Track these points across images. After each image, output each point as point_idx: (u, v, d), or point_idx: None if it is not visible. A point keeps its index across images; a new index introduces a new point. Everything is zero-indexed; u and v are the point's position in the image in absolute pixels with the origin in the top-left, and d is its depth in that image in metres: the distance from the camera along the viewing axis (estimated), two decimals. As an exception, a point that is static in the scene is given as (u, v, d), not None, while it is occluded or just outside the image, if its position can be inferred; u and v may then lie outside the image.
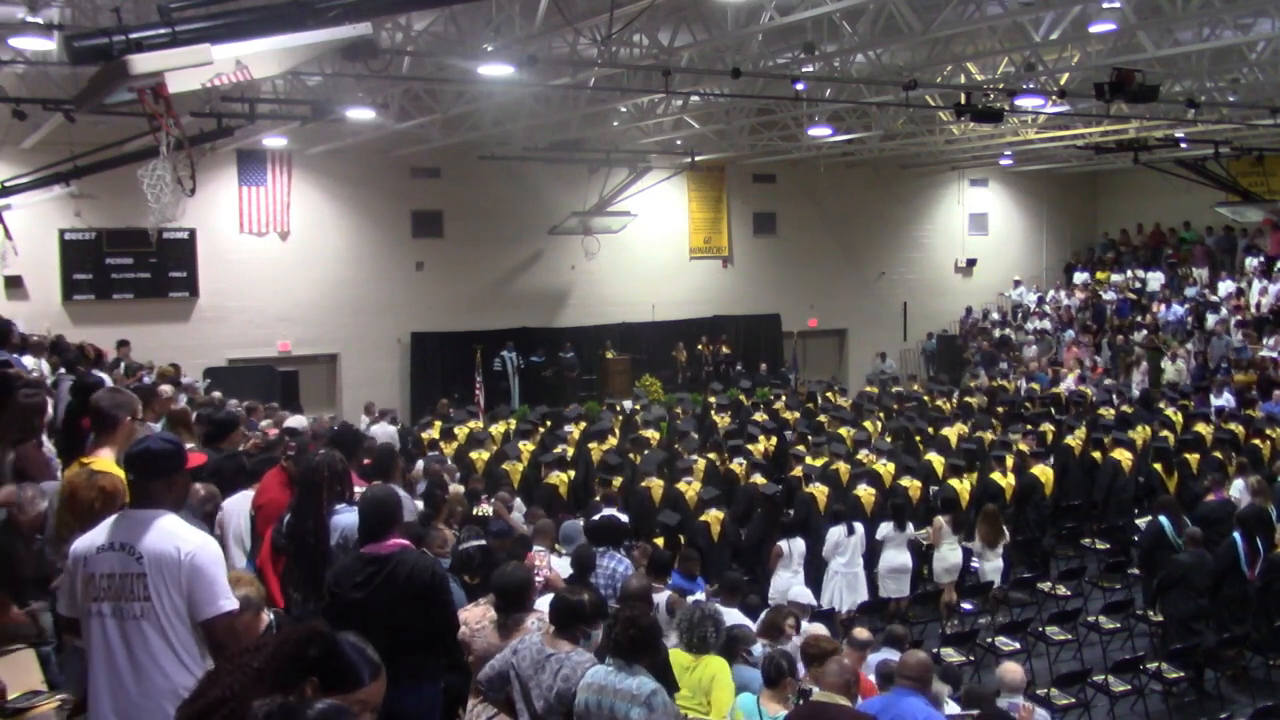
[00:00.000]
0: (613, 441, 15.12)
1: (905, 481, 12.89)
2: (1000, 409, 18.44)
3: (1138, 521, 12.86)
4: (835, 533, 11.04)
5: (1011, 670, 6.94)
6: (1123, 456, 14.00)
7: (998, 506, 12.10)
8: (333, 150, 19.40)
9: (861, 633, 7.50)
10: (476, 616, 5.31)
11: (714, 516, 11.57)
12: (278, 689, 2.60)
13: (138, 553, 3.63)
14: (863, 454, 13.74)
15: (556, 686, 4.52)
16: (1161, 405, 17.57)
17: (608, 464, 13.26)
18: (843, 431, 15.73)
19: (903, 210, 27.44)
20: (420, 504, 8.14)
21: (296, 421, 11.08)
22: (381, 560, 4.60)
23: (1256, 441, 15.13)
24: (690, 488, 12.19)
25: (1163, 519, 10.97)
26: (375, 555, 4.63)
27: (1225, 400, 18.33)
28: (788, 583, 10.36)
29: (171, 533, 3.68)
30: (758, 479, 12.65)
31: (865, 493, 12.16)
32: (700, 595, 8.10)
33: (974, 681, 9.45)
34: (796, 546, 10.85)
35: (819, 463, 13.46)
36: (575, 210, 22.57)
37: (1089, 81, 13.25)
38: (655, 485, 12.57)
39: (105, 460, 4.95)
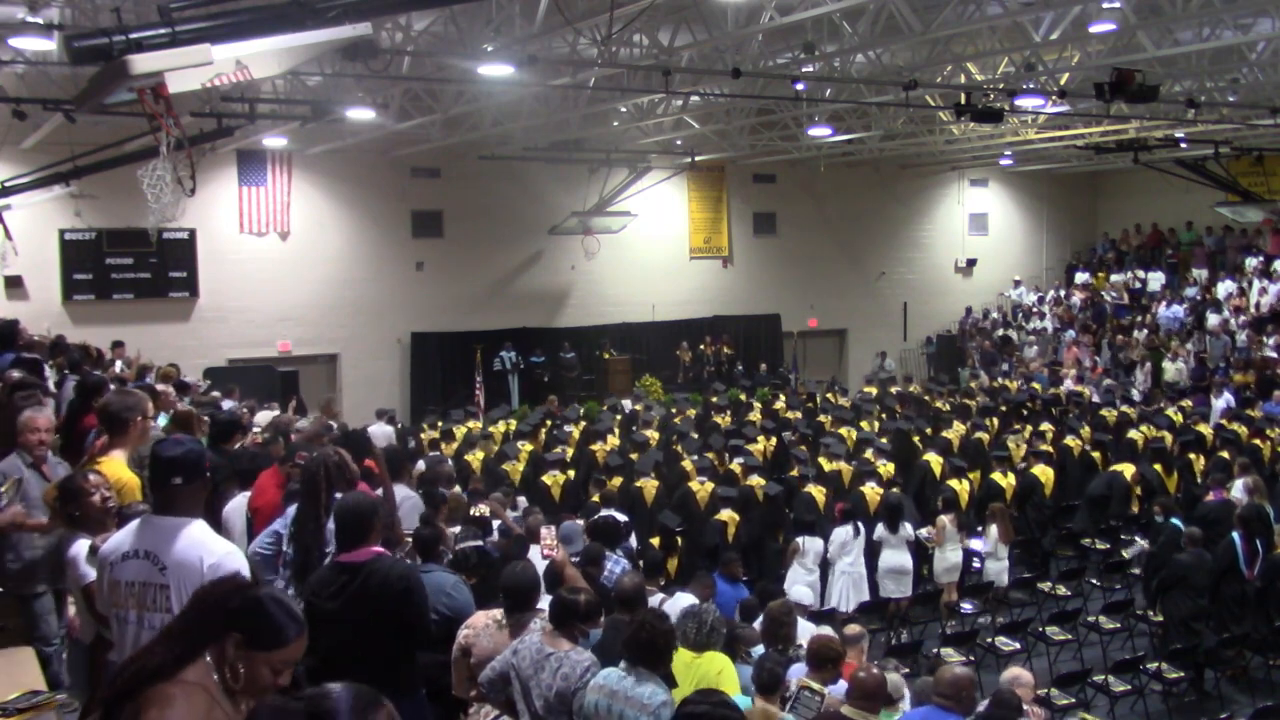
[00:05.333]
0: (614, 441, 15.14)
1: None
2: (1000, 409, 18.43)
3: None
4: (842, 533, 11.07)
5: (1015, 674, 6.86)
6: (1125, 469, 13.91)
7: (1002, 504, 12.13)
8: (333, 150, 19.40)
9: (852, 629, 7.54)
10: (481, 621, 5.28)
11: (729, 517, 11.59)
12: (199, 644, 2.57)
13: (162, 563, 3.58)
14: (868, 453, 13.77)
15: (556, 685, 4.52)
16: (1162, 405, 17.58)
17: (608, 465, 13.28)
18: (843, 431, 15.74)
19: (903, 210, 27.43)
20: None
21: (263, 417, 11.03)
22: (354, 569, 4.54)
23: (1256, 441, 15.15)
24: (704, 488, 12.22)
25: (1176, 521, 10.98)
26: (349, 564, 4.57)
27: (1225, 400, 18.34)
28: (803, 579, 10.45)
29: (198, 542, 3.62)
30: (755, 480, 12.67)
31: (871, 490, 12.18)
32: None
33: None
34: (814, 545, 10.89)
35: (826, 467, 13.45)
36: (575, 210, 22.57)
37: (1089, 81, 13.25)
38: (649, 485, 12.58)
39: (116, 462, 4.94)
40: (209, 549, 3.61)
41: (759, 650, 6.45)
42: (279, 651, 2.63)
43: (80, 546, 4.36)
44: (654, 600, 7.32)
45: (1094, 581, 12.10)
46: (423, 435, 15.67)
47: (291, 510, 5.38)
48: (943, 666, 6.06)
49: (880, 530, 11.24)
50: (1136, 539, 12.31)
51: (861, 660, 7.02)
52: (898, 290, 27.36)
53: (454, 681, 5.09)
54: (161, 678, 2.56)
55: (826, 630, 7.35)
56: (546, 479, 12.84)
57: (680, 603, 7.47)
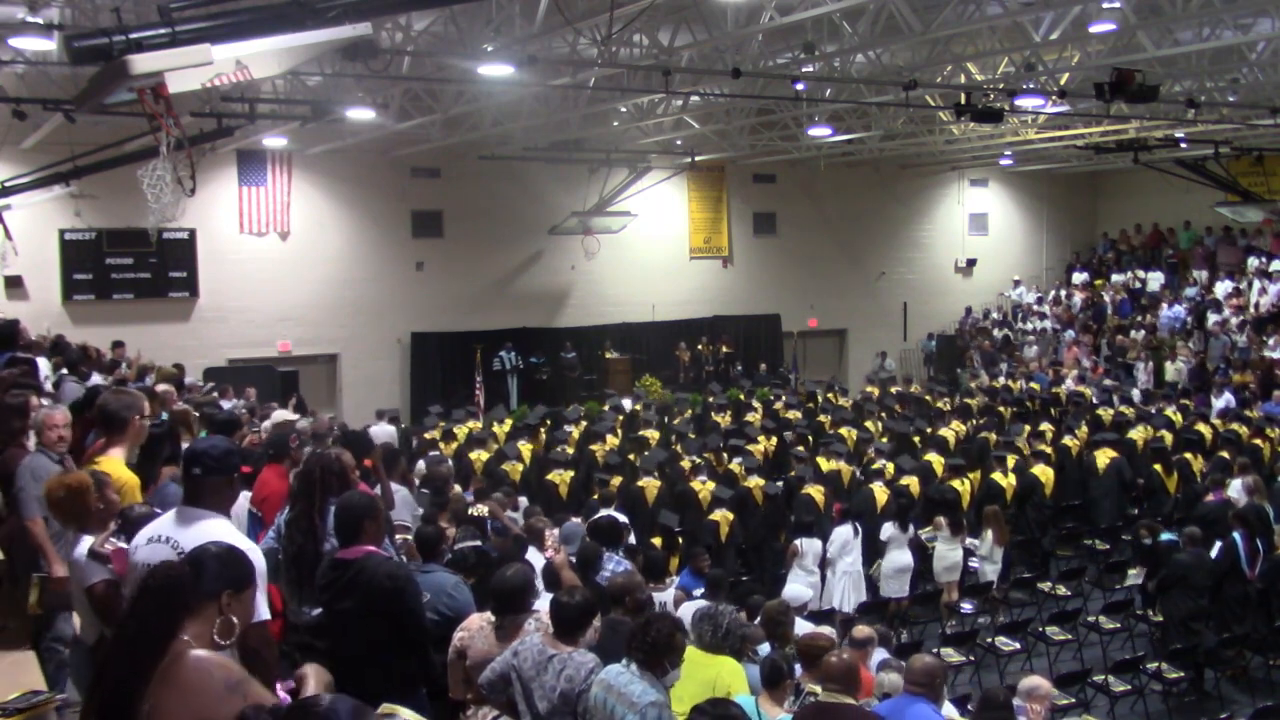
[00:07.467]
0: (614, 441, 15.13)
1: (905, 480, 12.91)
2: (1000, 409, 18.44)
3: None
4: (842, 532, 11.07)
5: (1035, 684, 6.82)
6: (1102, 454, 14.02)
7: (997, 507, 12.14)
8: (333, 150, 19.39)
9: (861, 630, 7.51)
10: (475, 623, 5.28)
11: (723, 516, 11.58)
12: (171, 629, 2.77)
13: (181, 549, 3.66)
14: (871, 452, 13.75)
15: (560, 687, 4.52)
16: (1160, 405, 17.59)
17: (609, 464, 13.27)
18: (844, 432, 15.74)
19: (903, 210, 27.43)
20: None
21: (280, 415, 11.06)
22: (345, 565, 4.63)
23: (1257, 441, 15.15)
24: (705, 488, 12.21)
25: (1166, 537, 10.99)
26: (342, 560, 4.66)
27: (1226, 400, 18.34)
28: (803, 580, 10.44)
29: (217, 536, 3.63)
30: (754, 480, 12.67)
31: (879, 490, 12.17)
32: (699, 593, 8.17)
33: (973, 684, 9.46)
34: (812, 546, 10.90)
35: (826, 467, 13.44)
36: (575, 210, 22.57)
37: (1089, 81, 13.25)
38: (650, 485, 12.58)
39: (115, 461, 4.94)
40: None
41: (765, 649, 6.46)
42: (254, 580, 3.23)
43: (83, 547, 4.35)
44: (665, 596, 7.33)
45: (1089, 582, 12.10)
46: (426, 435, 15.63)
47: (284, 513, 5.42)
48: (914, 656, 6.11)
49: (890, 529, 11.23)
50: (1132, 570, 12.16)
51: (869, 664, 7.00)
52: (898, 290, 27.36)
53: (449, 683, 5.10)
54: (156, 665, 2.68)
55: (824, 629, 7.35)
56: (554, 477, 12.85)
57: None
